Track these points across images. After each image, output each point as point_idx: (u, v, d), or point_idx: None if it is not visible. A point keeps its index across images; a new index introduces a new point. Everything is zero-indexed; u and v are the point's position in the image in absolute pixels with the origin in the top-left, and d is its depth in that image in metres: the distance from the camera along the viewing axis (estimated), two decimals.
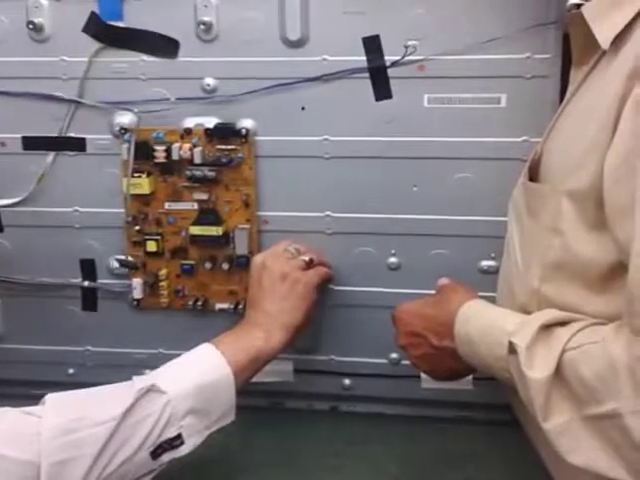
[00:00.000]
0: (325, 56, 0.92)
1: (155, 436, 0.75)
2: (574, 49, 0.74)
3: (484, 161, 0.92)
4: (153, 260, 1.00)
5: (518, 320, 0.68)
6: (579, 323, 0.64)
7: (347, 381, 1.03)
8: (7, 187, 1.01)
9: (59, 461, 0.71)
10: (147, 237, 0.99)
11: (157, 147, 0.95)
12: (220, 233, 0.97)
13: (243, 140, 0.94)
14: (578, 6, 0.69)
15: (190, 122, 0.96)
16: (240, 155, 0.95)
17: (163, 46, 0.94)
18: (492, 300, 0.79)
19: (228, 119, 0.95)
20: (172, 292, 1.01)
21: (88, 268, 1.03)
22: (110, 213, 1.00)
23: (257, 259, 0.93)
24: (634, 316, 0.57)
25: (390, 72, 0.91)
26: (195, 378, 0.79)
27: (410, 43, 0.90)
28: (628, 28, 0.63)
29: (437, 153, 0.93)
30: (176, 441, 0.77)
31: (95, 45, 0.95)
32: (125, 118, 0.96)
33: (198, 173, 0.96)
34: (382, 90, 0.92)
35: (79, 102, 0.97)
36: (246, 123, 0.95)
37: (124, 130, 0.95)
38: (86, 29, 0.94)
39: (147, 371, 0.83)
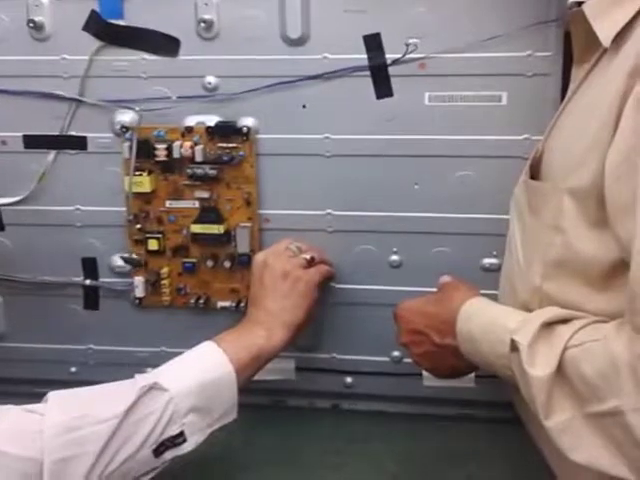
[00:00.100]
0: (326, 54, 0.92)
1: (157, 434, 0.75)
2: (575, 47, 0.74)
3: (485, 159, 0.92)
4: (155, 258, 1.00)
5: (520, 318, 0.68)
6: (581, 321, 0.64)
7: (349, 379, 1.03)
8: (8, 186, 1.01)
9: (61, 458, 0.71)
10: (148, 235, 0.99)
11: (158, 145, 0.95)
12: (221, 231, 0.97)
13: (244, 138, 0.94)
14: (579, 4, 0.69)
15: (191, 120, 0.96)
16: (241, 153, 0.95)
17: (164, 44, 0.94)
18: (494, 298, 0.79)
19: (229, 117, 0.95)
20: (174, 290, 1.02)
21: (90, 267, 1.03)
22: (111, 211, 1.00)
23: (258, 257, 0.93)
24: (635, 314, 0.57)
25: (391, 70, 0.91)
26: (197, 376, 0.79)
27: (411, 41, 0.90)
28: (629, 26, 0.63)
29: (438, 151, 0.93)
30: (178, 439, 0.77)
31: (96, 43, 0.95)
32: (126, 116, 0.96)
33: (199, 171, 0.96)
34: (383, 88, 0.92)
35: (80, 100, 0.97)
36: (247, 121, 0.95)
37: (125, 128, 0.95)
38: (87, 27, 0.94)
39: (149, 369, 0.83)
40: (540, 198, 0.71)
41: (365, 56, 0.91)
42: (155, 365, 0.82)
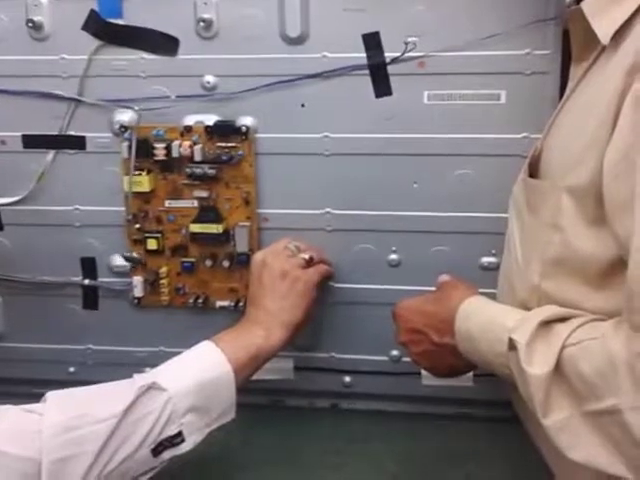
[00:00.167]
0: (325, 53, 0.92)
1: (156, 433, 0.75)
2: (574, 45, 0.73)
3: (484, 157, 0.92)
4: (153, 258, 1.00)
5: (518, 316, 0.68)
6: (579, 319, 0.64)
7: (347, 378, 1.03)
8: (7, 185, 1.01)
9: (60, 458, 0.71)
10: (147, 235, 0.99)
11: (157, 145, 0.95)
12: (220, 231, 0.97)
13: (243, 137, 0.94)
14: (578, 2, 0.69)
15: (190, 120, 0.96)
16: (240, 152, 0.95)
17: (163, 44, 0.94)
18: (493, 296, 0.79)
19: (228, 116, 0.95)
20: (173, 290, 1.02)
21: (89, 266, 1.03)
22: (110, 211, 1.00)
23: (257, 257, 0.93)
24: (633, 312, 0.57)
25: (390, 69, 0.91)
26: (196, 376, 0.79)
27: (410, 40, 0.89)
28: (628, 24, 0.63)
29: (437, 150, 0.93)
30: (177, 439, 0.77)
31: (95, 43, 0.95)
32: (125, 116, 0.96)
33: (198, 171, 0.96)
34: (382, 87, 0.92)
35: (79, 100, 0.97)
36: (246, 120, 0.95)
37: (124, 128, 0.95)
38: (86, 27, 0.94)
39: (148, 369, 0.83)
40: (539, 196, 0.71)
41: (364, 55, 0.91)
42: (154, 365, 0.82)
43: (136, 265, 1.01)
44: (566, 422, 0.61)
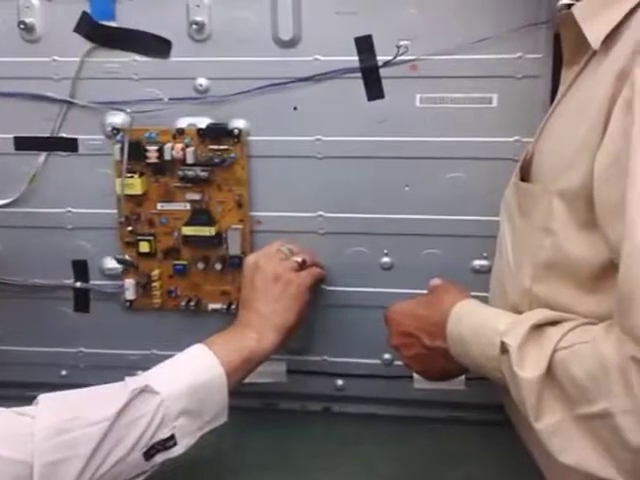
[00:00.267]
0: (317, 56, 0.92)
1: (148, 437, 0.75)
2: (565, 49, 0.74)
3: (476, 161, 0.92)
4: (146, 261, 1.00)
5: (510, 320, 0.68)
6: (570, 323, 0.64)
7: (340, 382, 1.03)
8: None
9: (52, 461, 0.71)
10: (140, 238, 0.99)
11: (149, 147, 0.95)
12: (213, 233, 0.97)
13: (235, 140, 0.94)
14: (569, 6, 0.69)
15: (182, 122, 0.96)
16: (232, 155, 0.95)
17: (155, 46, 0.94)
18: (484, 300, 0.79)
19: (220, 119, 0.95)
20: (165, 293, 1.01)
21: (80, 269, 1.03)
22: (102, 214, 1.00)
23: (250, 259, 0.93)
24: (624, 316, 0.57)
25: (382, 72, 0.91)
26: (188, 378, 0.79)
27: (402, 43, 0.90)
28: (618, 28, 0.63)
29: (429, 153, 0.93)
30: (169, 442, 0.77)
31: (87, 45, 0.95)
32: (117, 118, 0.96)
33: (191, 173, 0.95)
34: (374, 90, 0.92)
35: (71, 102, 0.96)
36: (238, 123, 0.95)
37: (116, 130, 0.95)
38: (78, 29, 0.94)
39: (140, 372, 0.83)
40: (530, 200, 0.72)
41: (356, 58, 0.91)
42: (146, 368, 0.82)
43: (128, 268, 1.01)
44: (558, 426, 0.61)
